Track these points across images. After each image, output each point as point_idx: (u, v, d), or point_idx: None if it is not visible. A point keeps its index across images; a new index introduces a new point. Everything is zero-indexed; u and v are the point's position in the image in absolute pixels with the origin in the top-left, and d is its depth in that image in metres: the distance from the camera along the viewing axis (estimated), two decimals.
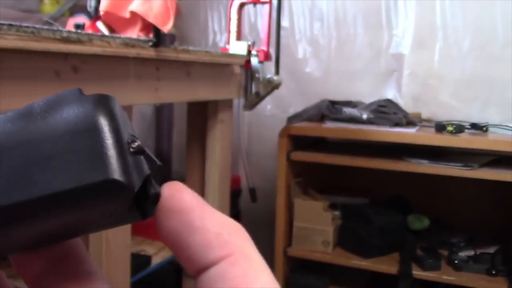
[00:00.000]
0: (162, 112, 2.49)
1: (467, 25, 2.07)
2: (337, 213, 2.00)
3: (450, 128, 1.76)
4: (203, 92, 1.46)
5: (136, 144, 0.18)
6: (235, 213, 2.30)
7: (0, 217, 0.17)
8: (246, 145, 1.96)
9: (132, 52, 1.06)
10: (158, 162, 0.18)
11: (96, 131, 0.17)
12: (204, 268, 0.20)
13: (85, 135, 0.17)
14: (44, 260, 0.20)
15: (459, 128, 1.76)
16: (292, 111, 2.28)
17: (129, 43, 1.04)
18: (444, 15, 2.09)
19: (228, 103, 1.65)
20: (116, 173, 0.17)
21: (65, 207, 0.17)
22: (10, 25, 0.78)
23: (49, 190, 0.17)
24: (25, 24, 0.83)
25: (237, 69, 1.61)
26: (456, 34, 2.09)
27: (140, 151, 0.18)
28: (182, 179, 1.91)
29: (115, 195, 0.17)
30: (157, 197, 0.18)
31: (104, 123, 0.17)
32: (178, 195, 0.19)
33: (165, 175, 0.19)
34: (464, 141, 1.74)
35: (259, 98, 1.63)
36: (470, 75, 2.08)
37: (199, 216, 0.20)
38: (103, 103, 0.18)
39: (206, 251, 0.20)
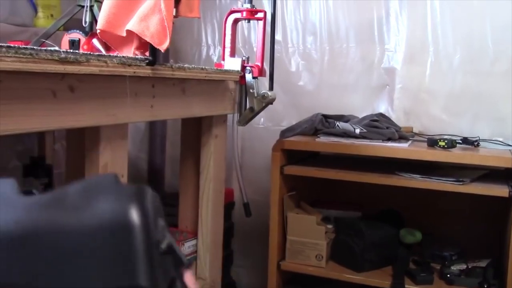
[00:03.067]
0: (155, 125, 2.50)
1: (457, 41, 2.10)
2: (330, 226, 2.01)
3: (442, 143, 1.78)
4: (198, 108, 1.47)
5: (165, 244, 0.18)
6: (229, 226, 2.30)
7: None
8: (239, 159, 1.96)
9: (128, 71, 1.07)
10: (184, 260, 0.18)
11: (128, 231, 0.17)
12: None
13: (116, 234, 0.17)
14: None
15: (450, 143, 1.78)
16: (285, 124, 2.29)
17: (126, 62, 1.05)
18: (435, 31, 2.12)
19: (223, 118, 1.66)
20: (142, 279, 0.17)
21: None
22: (9, 47, 0.79)
23: (76, 286, 0.17)
24: (23, 46, 0.83)
25: (232, 85, 1.62)
26: (446, 49, 2.12)
27: (168, 251, 0.18)
28: (175, 192, 1.91)
29: None
30: None
31: (136, 224, 0.17)
32: None
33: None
34: (456, 156, 1.76)
35: (253, 113, 1.64)
36: (461, 90, 2.11)
37: None
38: (137, 198, 0.18)
39: None
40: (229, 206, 2.30)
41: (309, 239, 1.93)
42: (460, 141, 1.86)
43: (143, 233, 0.17)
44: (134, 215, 0.17)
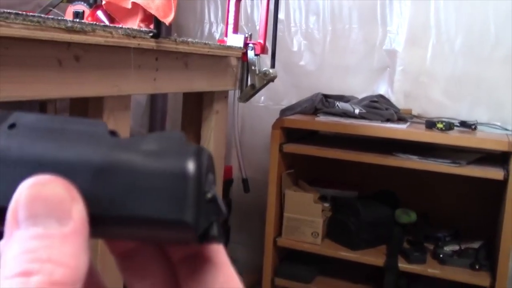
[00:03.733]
0: (156, 101, 2.51)
1: (459, 24, 2.11)
2: (327, 205, 2.04)
3: (440, 125, 1.80)
4: (200, 83, 1.48)
5: (210, 194, 0.22)
6: (227, 203, 2.33)
7: (100, 220, 0.22)
8: (239, 136, 1.98)
9: (133, 42, 1.08)
10: (224, 211, 0.23)
11: (185, 179, 0.22)
12: None
13: (176, 179, 0.21)
14: (124, 248, 0.26)
15: (448, 126, 1.80)
16: (285, 103, 2.30)
17: (131, 34, 1.06)
18: (438, 14, 2.13)
19: (224, 94, 1.67)
20: (189, 217, 0.21)
21: (146, 228, 0.22)
22: (17, 13, 0.80)
23: (138, 213, 0.21)
24: (31, 13, 0.84)
25: (234, 61, 1.63)
26: (448, 32, 2.13)
27: (212, 200, 0.22)
28: None
29: (184, 231, 0.22)
30: (214, 239, 0.23)
31: (191, 175, 0.22)
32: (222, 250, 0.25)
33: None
34: (453, 138, 1.78)
35: (255, 90, 1.65)
36: (461, 74, 2.12)
37: (229, 266, 0.25)
38: (197, 156, 0.22)
39: None
40: (227, 183, 2.32)
41: (305, 216, 1.97)
42: (458, 124, 1.89)
43: (195, 182, 0.22)
44: (192, 167, 0.22)
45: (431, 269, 1.81)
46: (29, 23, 0.82)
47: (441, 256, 1.84)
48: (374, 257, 1.90)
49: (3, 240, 0.21)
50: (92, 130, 0.23)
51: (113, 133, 0.23)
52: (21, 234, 0.20)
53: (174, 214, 0.21)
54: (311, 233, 1.96)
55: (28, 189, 0.20)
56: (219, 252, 0.25)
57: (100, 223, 0.22)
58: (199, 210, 0.22)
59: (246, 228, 2.45)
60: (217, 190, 0.23)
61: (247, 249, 2.47)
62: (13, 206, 0.20)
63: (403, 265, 1.84)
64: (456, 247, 1.89)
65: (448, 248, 1.88)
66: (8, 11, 0.79)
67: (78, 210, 0.20)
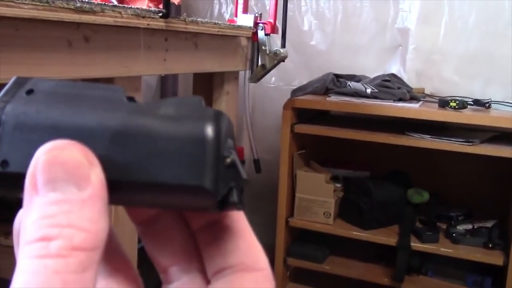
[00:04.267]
0: (166, 82, 2.50)
1: (473, 1, 2.07)
2: (338, 185, 2.04)
3: (453, 104, 1.78)
4: (210, 64, 1.47)
5: (230, 159, 0.22)
6: None
7: (119, 186, 0.22)
8: (250, 117, 1.98)
9: (142, 22, 1.07)
10: (244, 176, 0.22)
11: (203, 143, 0.21)
12: (227, 267, 0.24)
13: (195, 144, 0.21)
14: (144, 216, 0.26)
15: (462, 104, 1.78)
16: (296, 83, 2.29)
17: (140, 14, 1.05)
18: None
19: (234, 75, 1.66)
20: (207, 182, 0.21)
21: (165, 194, 0.22)
22: None
23: (157, 179, 0.21)
24: None
25: (244, 41, 1.62)
26: (461, 10, 2.09)
27: (231, 165, 0.22)
28: None
29: (203, 197, 0.21)
30: (234, 205, 0.22)
31: (210, 140, 0.21)
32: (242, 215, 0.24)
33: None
34: (467, 117, 1.76)
35: (265, 70, 1.65)
36: (474, 52, 2.09)
37: (250, 233, 0.25)
38: (216, 120, 0.22)
39: (243, 256, 0.24)
40: None
41: (317, 197, 1.97)
42: (472, 103, 1.86)
43: (214, 147, 0.21)
44: (210, 131, 0.21)
45: (444, 248, 1.81)
46: (38, 3, 0.82)
47: (454, 235, 1.84)
48: (386, 237, 1.89)
49: (22, 209, 0.21)
50: (110, 95, 0.22)
51: (130, 99, 0.23)
52: (40, 200, 0.20)
53: (192, 179, 0.21)
54: (323, 213, 1.97)
55: (45, 154, 0.20)
56: (240, 219, 0.24)
57: (118, 188, 0.21)
58: (218, 175, 0.21)
59: (258, 209, 2.46)
60: None
61: (259, 230, 2.46)
62: (31, 171, 0.20)
63: (415, 244, 1.84)
64: (469, 226, 1.88)
65: (461, 227, 1.87)
66: None
67: (96, 175, 0.20)
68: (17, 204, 0.22)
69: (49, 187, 0.20)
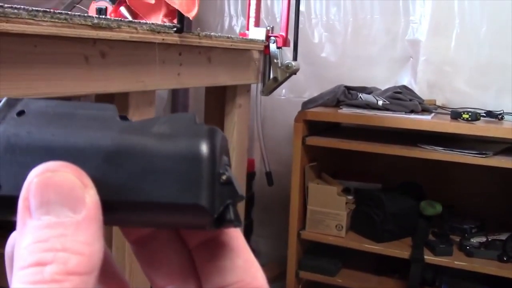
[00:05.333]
0: (177, 94, 2.51)
1: (484, 12, 2.07)
2: (350, 197, 2.03)
3: (465, 116, 1.77)
4: (222, 77, 1.48)
5: (225, 176, 0.21)
6: (249, 196, 2.33)
7: (113, 206, 0.21)
8: (261, 129, 1.98)
9: (157, 38, 1.08)
10: (240, 193, 0.22)
11: (198, 161, 0.21)
12: (224, 286, 0.23)
13: (189, 162, 0.21)
14: (139, 234, 0.25)
15: (474, 116, 1.77)
16: (307, 95, 2.29)
17: (155, 29, 1.06)
18: (462, 2, 2.09)
19: (246, 88, 1.67)
20: (203, 200, 0.21)
21: (160, 213, 0.21)
22: (45, 11, 0.81)
23: (152, 198, 0.21)
24: (58, 11, 0.85)
25: (256, 54, 1.62)
26: (473, 21, 2.09)
27: (227, 182, 0.21)
28: None
29: (199, 215, 0.21)
30: (231, 222, 0.22)
31: (205, 157, 0.21)
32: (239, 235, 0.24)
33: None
34: (480, 129, 1.75)
35: (277, 83, 1.65)
36: (486, 63, 2.08)
37: (247, 250, 0.24)
38: (210, 137, 0.21)
39: (241, 274, 0.24)
40: (249, 176, 2.32)
41: (329, 209, 1.96)
42: (484, 114, 1.85)
43: (209, 165, 0.21)
44: (204, 149, 0.21)
45: (458, 261, 1.79)
46: (56, 20, 0.83)
47: (467, 248, 1.82)
48: (399, 249, 1.88)
49: (15, 232, 0.20)
50: (102, 114, 0.22)
51: (123, 117, 0.22)
52: (33, 224, 0.20)
53: (188, 197, 0.21)
54: (335, 225, 1.96)
55: (38, 177, 0.20)
56: (236, 236, 0.24)
57: (113, 209, 0.21)
58: (213, 192, 0.21)
59: (269, 221, 2.45)
60: (240, 182, 0.22)
61: (270, 242, 2.48)
62: (23, 194, 0.20)
63: (429, 257, 1.83)
64: (483, 239, 1.86)
65: (474, 240, 1.86)
66: (37, 9, 0.80)
67: (90, 196, 0.20)
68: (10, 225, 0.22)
69: (43, 210, 0.20)
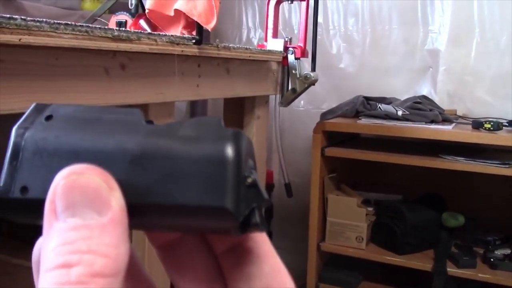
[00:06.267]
0: (196, 106, 2.53)
1: (504, 21, 2.04)
2: (370, 209, 2.01)
3: (487, 125, 1.75)
4: (241, 89, 1.48)
5: (251, 179, 0.21)
6: (268, 208, 2.32)
7: (139, 210, 0.21)
8: (279, 140, 1.98)
9: (176, 49, 1.09)
10: (265, 196, 0.22)
11: (223, 164, 0.21)
12: None
13: (214, 165, 0.21)
14: (165, 239, 0.25)
15: (496, 126, 1.74)
16: (326, 107, 2.28)
17: (174, 41, 1.07)
18: (481, 11, 2.07)
19: (265, 99, 1.67)
20: (228, 203, 0.21)
21: (185, 216, 0.21)
22: (66, 24, 0.82)
23: (177, 201, 0.21)
24: (79, 24, 0.86)
25: (274, 66, 1.63)
26: (493, 30, 2.07)
27: (252, 185, 0.21)
28: None
29: (224, 219, 0.21)
30: (256, 226, 0.22)
31: (230, 160, 0.21)
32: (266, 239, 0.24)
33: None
34: (502, 138, 1.72)
35: (296, 94, 1.65)
36: (507, 72, 2.06)
37: (274, 256, 0.24)
38: (235, 140, 0.21)
39: (268, 280, 0.23)
40: (268, 187, 2.32)
41: (349, 221, 1.94)
42: (507, 124, 1.82)
43: (234, 168, 0.21)
44: (230, 152, 0.21)
45: (482, 274, 1.76)
46: (77, 33, 0.83)
47: (491, 260, 1.78)
48: (421, 262, 1.85)
49: (42, 237, 0.20)
50: (128, 119, 0.22)
51: (149, 122, 0.23)
52: (59, 226, 0.20)
53: (213, 200, 0.21)
54: (355, 237, 1.93)
55: (64, 179, 0.20)
56: (263, 241, 0.24)
57: (138, 212, 0.21)
58: (238, 195, 0.21)
59: (288, 233, 2.43)
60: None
61: (289, 254, 2.45)
62: (50, 197, 0.20)
63: (452, 269, 1.79)
64: (508, 251, 1.82)
65: (499, 252, 1.82)
66: (58, 21, 0.81)
67: (116, 199, 0.20)
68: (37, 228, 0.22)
69: (69, 212, 0.20)
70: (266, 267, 0.23)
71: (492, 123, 1.75)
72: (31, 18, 0.75)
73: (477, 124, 1.79)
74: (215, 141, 0.21)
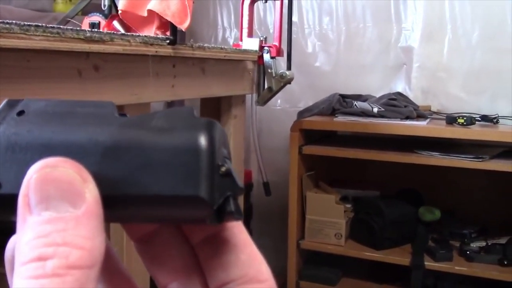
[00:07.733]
0: (173, 106, 2.51)
1: (476, 17, 2.08)
2: (349, 206, 2.03)
3: (461, 120, 1.78)
4: (217, 88, 1.48)
5: (225, 168, 0.21)
6: (247, 207, 2.32)
7: (113, 201, 0.21)
8: (257, 140, 1.98)
9: (151, 50, 1.08)
10: (240, 185, 0.22)
11: (196, 152, 0.21)
12: (229, 281, 0.23)
13: (187, 154, 0.21)
14: (142, 233, 0.25)
15: (470, 120, 1.77)
16: (302, 105, 2.30)
17: (148, 41, 1.06)
18: (453, 8, 2.10)
19: (241, 99, 1.67)
20: (203, 192, 0.21)
21: (160, 206, 0.21)
22: (37, 25, 0.81)
23: (152, 191, 0.21)
24: (50, 25, 0.85)
25: (250, 65, 1.63)
26: (465, 26, 2.10)
27: (226, 174, 0.21)
28: None
29: (199, 207, 0.21)
30: (231, 215, 0.22)
31: (203, 149, 0.21)
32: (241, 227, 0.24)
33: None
34: (475, 133, 1.76)
35: (272, 93, 1.65)
36: (479, 67, 2.09)
37: (251, 244, 0.24)
38: (208, 129, 0.21)
39: (245, 268, 0.23)
40: (247, 187, 2.32)
41: (328, 218, 1.95)
42: (479, 119, 1.86)
43: (208, 156, 0.21)
44: (203, 141, 0.21)
45: (458, 267, 1.79)
46: (49, 34, 0.82)
47: (467, 253, 1.82)
48: (399, 257, 1.87)
49: (16, 233, 0.20)
50: (100, 111, 0.22)
51: (122, 114, 0.23)
52: (34, 220, 0.20)
53: (187, 189, 0.21)
54: (334, 234, 1.95)
55: (37, 173, 0.20)
56: (239, 231, 0.24)
57: (113, 204, 0.21)
58: (213, 184, 0.21)
59: (268, 232, 2.44)
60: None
61: (270, 253, 2.46)
62: (23, 191, 0.20)
63: (429, 263, 1.82)
64: (483, 243, 1.86)
65: (474, 245, 1.85)
66: (28, 23, 0.80)
67: (90, 191, 0.20)
68: (9, 230, 0.22)
69: (43, 205, 0.20)
70: (242, 255, 0.23)
71: (465, 118, 1.78)
72: (0, 20, 0.74)
73: (451, 119, 1.81)
74: (188, 131, 0.21)
